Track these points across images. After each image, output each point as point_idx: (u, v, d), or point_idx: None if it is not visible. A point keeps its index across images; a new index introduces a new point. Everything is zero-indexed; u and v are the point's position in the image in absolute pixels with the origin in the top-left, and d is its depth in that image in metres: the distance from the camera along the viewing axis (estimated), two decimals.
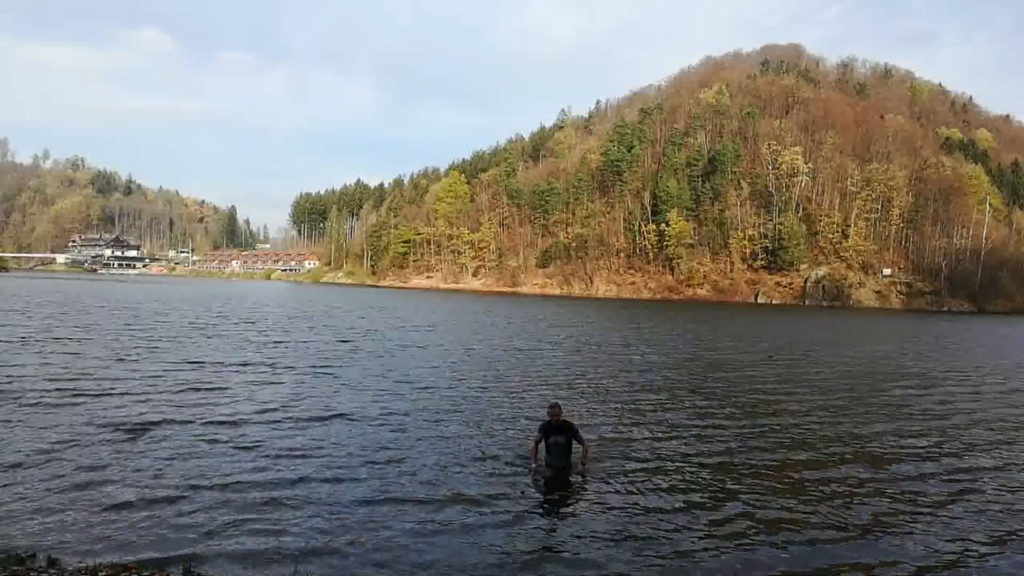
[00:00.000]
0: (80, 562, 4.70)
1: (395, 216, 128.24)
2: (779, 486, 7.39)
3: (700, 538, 5.81)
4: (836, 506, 6.77)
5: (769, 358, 20.14)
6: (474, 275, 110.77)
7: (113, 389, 11.15)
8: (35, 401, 9.87)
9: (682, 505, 6.66)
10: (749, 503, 6.79)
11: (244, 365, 14.50)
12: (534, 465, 7.52)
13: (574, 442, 7.51)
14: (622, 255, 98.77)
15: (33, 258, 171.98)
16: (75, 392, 10.58)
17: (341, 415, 9.77)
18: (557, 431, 7.40)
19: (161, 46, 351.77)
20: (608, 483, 7.24)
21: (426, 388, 12.45)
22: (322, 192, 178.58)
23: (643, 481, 7.37)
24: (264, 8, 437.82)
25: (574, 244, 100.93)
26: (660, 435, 9.55)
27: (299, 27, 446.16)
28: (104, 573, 4.48)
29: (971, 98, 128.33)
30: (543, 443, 7.52)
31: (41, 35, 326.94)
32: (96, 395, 10.65)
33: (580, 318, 38.62)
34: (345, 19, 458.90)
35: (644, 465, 7.97)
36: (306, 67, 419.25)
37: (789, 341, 27.80)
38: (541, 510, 6.48)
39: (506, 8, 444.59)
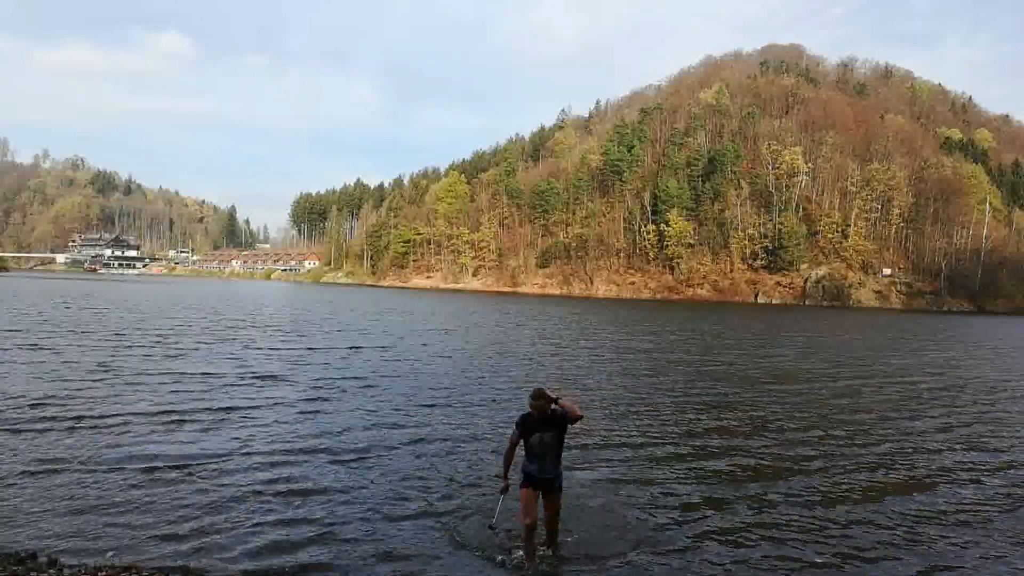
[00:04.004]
0: (80, 562, 4.70)
1: (395, 216, 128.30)
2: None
3: None
4: None
5: (833, 370, 18.27)
6: (474, 275, 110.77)
7: (122, 398, 11.16)
8: (44, 409, 9.86)
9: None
10: None
11: (284, 379, 13.47)
12: (504, 484, 5.22)
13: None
14: (622, 255, 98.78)
15: (33, 258, 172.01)
16: (83, 402, 10.54)
17: (370, 447, 8.38)
18: (544, 425, 5.14)
19: (162, 47, 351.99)
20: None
21: (480, 407, 11.12)
22: (322, 192, 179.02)
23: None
24: (265, 9, 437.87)
25: (574, 244, 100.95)
26: (734, 472, 7.88)
27: (301, 28, 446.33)
28: (104, 573, 4.48)
29: (971, 98, 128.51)
30: (522, 445, 5.27)
31: (43, 37, 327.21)
32: (102, 403, 10.65)
33: (599, 320, 37.74)
34: (347, 20, 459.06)
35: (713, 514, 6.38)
36: (307, 68, 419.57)
37: (837, 345, 26.58)
38: None
39: (508, 8, 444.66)
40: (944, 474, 8.16)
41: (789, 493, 7.14)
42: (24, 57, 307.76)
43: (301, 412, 10.18)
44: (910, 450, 9.32)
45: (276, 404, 10.72)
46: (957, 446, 9.70)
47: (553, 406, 5.18)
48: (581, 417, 5.24)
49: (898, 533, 6.09)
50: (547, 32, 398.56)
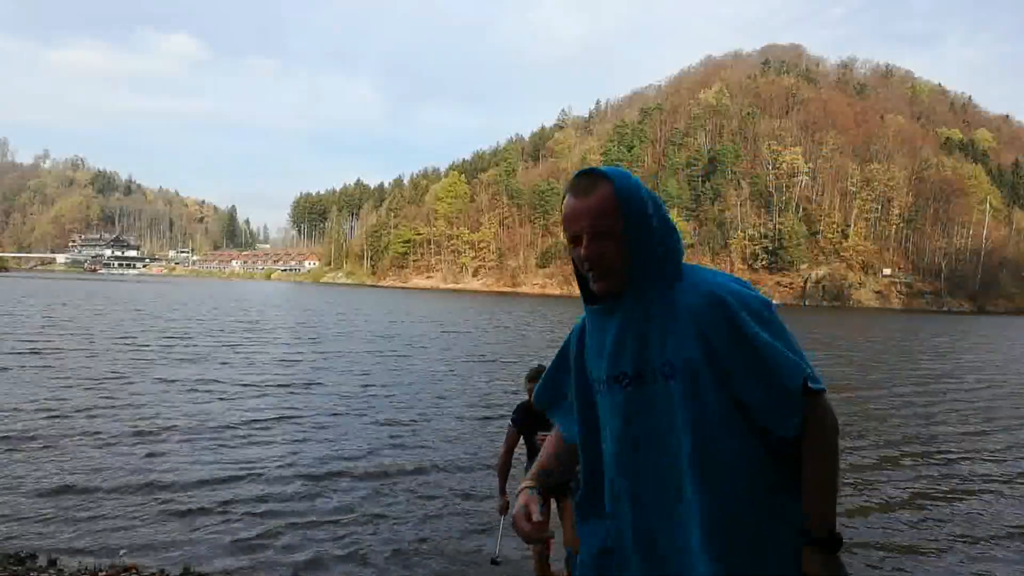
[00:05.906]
0: (80, 562, 4.70)
1: (395, 216, 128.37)
2: None
3: None
4: None
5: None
6: (474, 275, 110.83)
7: (128, 406, 11.15)
8: (47, 415, 9.86)
9: None
10: None
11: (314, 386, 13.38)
12: (503, 502, 3.61)
13: None
14: None
15: (33, 258, 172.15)
16: (87, 409, 10.52)
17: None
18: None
19: (162, 48, 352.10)
20: None
21: (493, 415, 10.37)
22: (322, 192, 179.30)
23: None
24: (267, 10, 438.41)
25: None
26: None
27: (302, 29, 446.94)
28: (104, 573, 4.48)
29: (971, 98, 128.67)
30: (521, 447, 3.81)
31: (45, 38, 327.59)
32: (106, 410, 10.64)
33: None
34: (348, 20, 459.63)
35: None
36: (308, 68, 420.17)
37: (854, 347, 25.19)
38: None
39: (508, 9, 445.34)
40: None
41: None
42: (26, 58, 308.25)
43: (313, 426, 9.76)
44: (993, 470, 7.78)
45: (286, 414, 10.38)
46: None
47: None
48: None
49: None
50: (547, 32, 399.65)
